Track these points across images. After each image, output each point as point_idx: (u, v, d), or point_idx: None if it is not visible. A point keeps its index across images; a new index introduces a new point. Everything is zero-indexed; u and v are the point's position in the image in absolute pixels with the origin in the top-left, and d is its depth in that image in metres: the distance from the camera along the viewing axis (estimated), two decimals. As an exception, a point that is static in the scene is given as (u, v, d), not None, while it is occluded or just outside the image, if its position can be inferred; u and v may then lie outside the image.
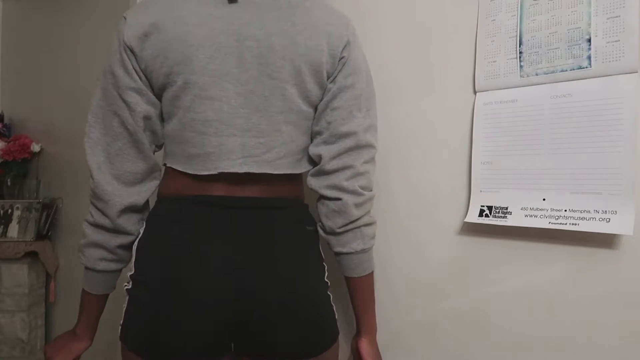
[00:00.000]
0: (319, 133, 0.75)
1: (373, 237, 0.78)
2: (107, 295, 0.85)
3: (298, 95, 0.72)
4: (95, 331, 0.88)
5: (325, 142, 0.74)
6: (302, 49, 0.70)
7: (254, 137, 0.70)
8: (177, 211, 0.71)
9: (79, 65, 1.82)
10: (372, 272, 0.79)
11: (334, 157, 0.73)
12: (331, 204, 0.74)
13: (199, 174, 0.71)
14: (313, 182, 0.76)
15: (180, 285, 0.66)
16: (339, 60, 0.73)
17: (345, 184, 0.73)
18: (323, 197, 0.75)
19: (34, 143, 1.92)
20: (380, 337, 0.90)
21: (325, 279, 0.77)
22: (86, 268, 0.81)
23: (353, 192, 0.73)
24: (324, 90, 0.74)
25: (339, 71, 0.74)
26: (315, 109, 0.76)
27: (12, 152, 1.88)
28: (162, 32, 0.67)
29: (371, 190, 0.77)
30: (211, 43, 0.68)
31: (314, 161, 0.77)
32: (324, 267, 0.78)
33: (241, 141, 0.70)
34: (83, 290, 0.85)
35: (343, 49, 0.73)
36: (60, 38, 1.91)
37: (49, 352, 0.83)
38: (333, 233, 0.75)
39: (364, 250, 0.76)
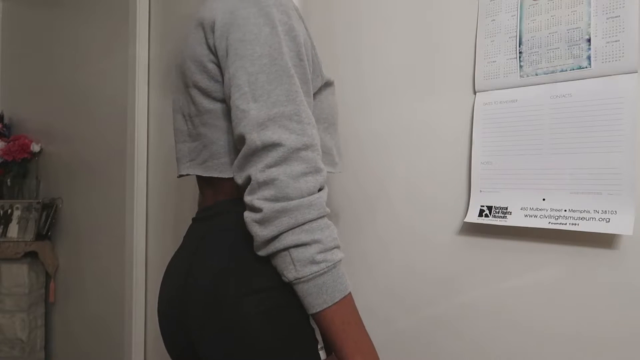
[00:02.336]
0: None
1: (315, 263, 0.55)
2: None
3: (200, 94, 0.67)
4: None
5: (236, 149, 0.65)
6: (188, 47, 0.68)
7: (192, 142, 0.72)
8: None
9: (79, 65, 1.82)
10: (329, 313, 0.56)
11: (237, 169, 0.60)
12: None
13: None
14: None
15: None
16: (214, 48, 0.64)
17: (247, 199, 0.58)
18: None
19: (33, 143, 1.92)
20: (380, 338, 0.91)
21: (253, 287, 0.60)
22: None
23: (251, 209, 0.57)
24: (221, 82, 0.66)
25: (221, 61, 0.64)
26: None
27: (12, 152, 1.88)
28: None
29: (292, 200, 0.55)
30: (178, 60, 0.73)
31: None
32: (248, 274, 0.61)
33: (188, 146, 0.73)
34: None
35: (213, 34, 0.63)
36: (60, 38, 1.91)
37: None
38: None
39: (298, 280, 0.56)
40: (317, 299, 0.56)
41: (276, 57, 0.59)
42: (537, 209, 0.75)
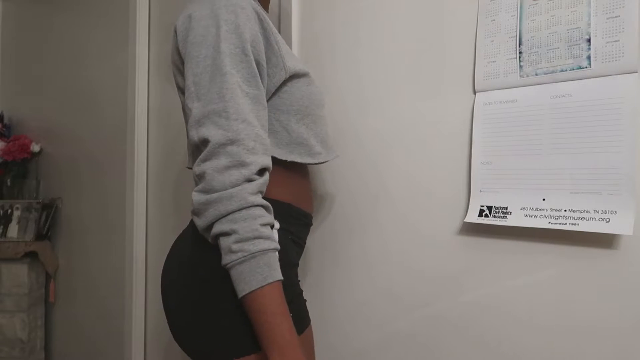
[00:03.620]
0: None
1: (232, 252, 0.59)
2: None
3: (182, 95, 0.76)
4: None
5: None
6: (170, 52, 0.76)
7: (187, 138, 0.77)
8: None
9: (78, 65, 1.82)
10: (249, 298, 0.59)
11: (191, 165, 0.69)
12: None
13: None
14: None
15: None
16: (180, 51, 0.69)
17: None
18: None
19: (33, 143, 1.92)
20: (379, 337, 0.91)
21: (204, 277, 0.66)
22: None
23: (192, 201, 0.63)
24: None
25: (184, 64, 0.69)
26: None
27: (12, 152, 1.88)
28: None
29: (216, 192, 0.59)
30: None
31: None
32: (202, 264, 0.67)
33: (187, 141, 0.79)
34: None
35: (177, 38, 0.69)
36: (60, 38, 1.91)
37: None
38: None
39: (225, 267, 0.60)
40: (237, 286, 0.60)
41: (215, 56, 0.63)
42: (537, 209, 0.75)
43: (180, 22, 0.68)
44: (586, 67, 0.72)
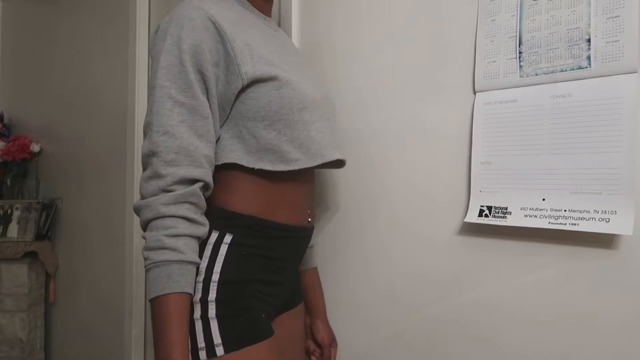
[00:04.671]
0: None
1: (144, 258, 0.63)
2: None
3: None
4: None
5: None
6: None
7: None
8: None
9: (78, 65, 1.82)
10: (151, 304, 0.62)
11: None
12: None
13: None
14: None
15: None
16: None
17: None
18: None
19: (33, 143, 1.92)
20: (379, 338, 0.91)
21: (194, 300, 0.67)
22: None
23: None
24: None
25: None
26: None
27: (11, 152, 1.88)
28: None
29: (142, 199, 0.64)
30: None
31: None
32: (208, 284, 0.68)
33: None
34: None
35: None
36: (61, 38, 1.91)
37: None
38: None
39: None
40: (149, 289, 0.63)
41: (155, 70, 0.67)
42: (537, 209, 0.75)
43: (152, 34, 0.72)
44: (586, 67, 0.72)
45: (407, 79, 0.93)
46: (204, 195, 0.67)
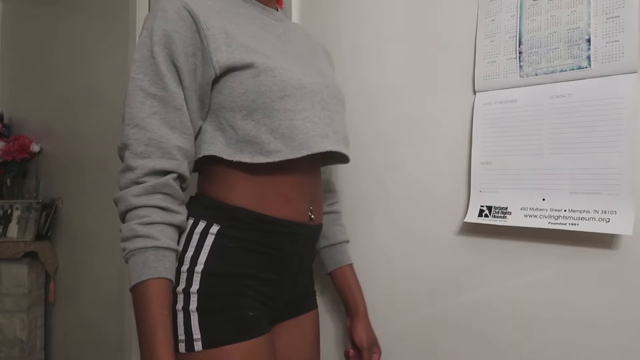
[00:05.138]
0: None
1: (122, 250, 0.63)
2: None
3: None
4: None
5: None
6: None
7: None
8: None
9: (78, 65, 1.82)
10: (134, 291, 0.62)
11: None
12: None
13: None
14: None
15: None
16: None
17: None
18: None
19: (33, 143, 1.92)
20: (380, 338, 0.90)
21: (177, 290, 0.67)
22: None
23: None
24: None
25: None
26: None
27: (11, 152, 1.88)
28: None
29: (119, 191, 0.65)
30: None
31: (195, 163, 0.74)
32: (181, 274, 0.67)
33: None
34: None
35: None
36: (60, 38, 1.91)
37: None
38: None
39: None
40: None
41: (131, 63, 0.67)
42: (536, 209, 0.75)
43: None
44: (586, 67, 0.72)
45: (406, 79, 0.93)
46: (181, 187, 0.67)
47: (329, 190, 0.97)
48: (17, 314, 1.77)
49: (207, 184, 0.73)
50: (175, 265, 0.65)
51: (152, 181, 0.63)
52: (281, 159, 0.69)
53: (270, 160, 0.68)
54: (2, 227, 1.85)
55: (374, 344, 0.89)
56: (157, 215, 0.62)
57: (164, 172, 0.64)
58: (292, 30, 0.84)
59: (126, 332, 1.54)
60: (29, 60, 2.06)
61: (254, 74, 0.68)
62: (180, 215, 0.66)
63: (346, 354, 0.89)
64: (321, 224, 0.82)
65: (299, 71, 0.72)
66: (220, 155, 0.69)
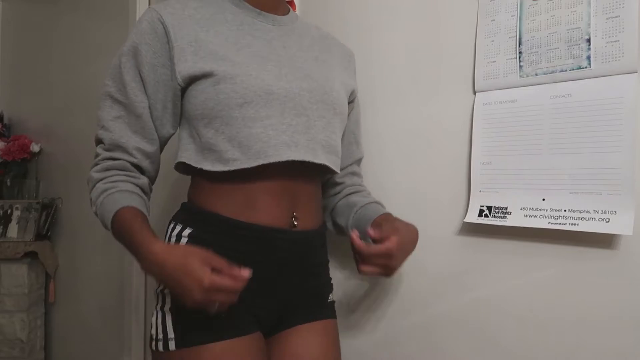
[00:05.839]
0: None
1: (96, 214, 0.71)
2: None
3: None
4: None
5: None
6: None
7: None
8: None
9: (78, 65, 1.82)
10: (112, 227, 0.68)
11: None
12: None
13: None
14: None
15: None
16: None
17: None
18: None
19: (33, 143, 1.92)
20: (378, 337, 0.91)
21: (156, 291, 0.73)
22: None
23: None
24: None
25: None
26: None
27: (11, 152, 1.88)
28: None
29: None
30: None
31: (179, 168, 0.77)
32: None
33: None
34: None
35: None
36: (60, 38, 1.91)
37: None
38: None
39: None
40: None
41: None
42: (536, 209, 0.75)
43: None
44: (586, 67, 0.72)
45: (406, 79, 0.93)
46: (149, 185, 0.75)
47: (357, 191, 0.90)
48: (17, 314, 1.76)
49: (190, 189, 0.78)
50: (144, 207, 0.70)
51: (109, 162, 0.71)
52: (237, 167, 0.69)
53: (227, 168, 0.69)
54: (2, 227, 1.85)
55: (396, 232, 0.71)
56: (117, 177, 0.70)
57: (122, 159, 0.71)
58: (296, 33, 0.81)
59: (126, 332, 1.54)
60: (29, 60, 2.06)
61: (214, 82, 0.69)
62: (141, 179, 0.73)
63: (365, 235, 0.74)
64: (313, 231, 0.78)
65: (271, 77, 0.71)
66: (189, 162, 0.73)
